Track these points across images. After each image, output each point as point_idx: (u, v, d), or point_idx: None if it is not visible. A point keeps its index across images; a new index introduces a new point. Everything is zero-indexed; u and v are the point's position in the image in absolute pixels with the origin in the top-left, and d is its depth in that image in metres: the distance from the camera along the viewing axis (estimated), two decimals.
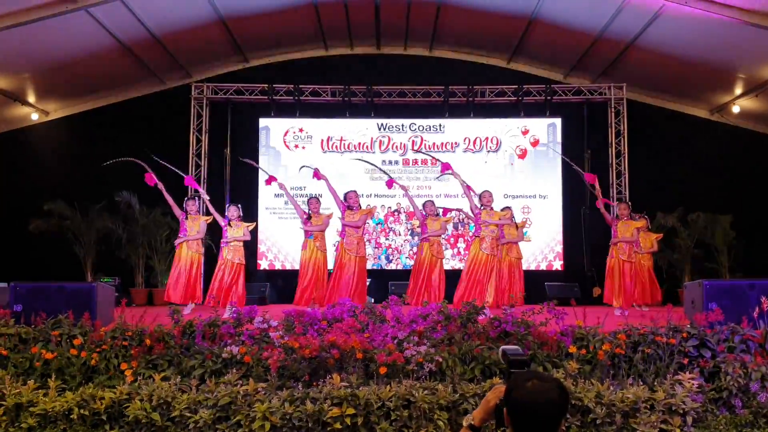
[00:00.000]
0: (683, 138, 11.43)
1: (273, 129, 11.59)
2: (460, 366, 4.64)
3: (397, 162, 11.48)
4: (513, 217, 9.06)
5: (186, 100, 11.34)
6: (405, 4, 10.46)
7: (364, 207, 9.04)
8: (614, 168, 11.34)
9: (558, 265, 11.35)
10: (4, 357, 4.90)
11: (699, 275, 10.07)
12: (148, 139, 10.29)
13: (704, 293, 5.89)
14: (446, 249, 10.81)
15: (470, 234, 11.05)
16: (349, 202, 8.48)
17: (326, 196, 9.38)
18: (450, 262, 10.86)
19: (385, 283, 10.19)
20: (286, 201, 10.41)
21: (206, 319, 5.09)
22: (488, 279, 7.95)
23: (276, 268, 11.36)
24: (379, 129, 11.56)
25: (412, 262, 10.77)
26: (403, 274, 10.75)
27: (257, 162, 10.96)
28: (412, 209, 9.25)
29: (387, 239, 11.50)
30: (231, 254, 8.21)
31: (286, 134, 11.53)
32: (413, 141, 11.52)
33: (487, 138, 11.51)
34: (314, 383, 4.47)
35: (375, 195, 11.33)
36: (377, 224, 11.43)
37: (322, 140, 11.51)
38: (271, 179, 9.06)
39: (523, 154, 11.51)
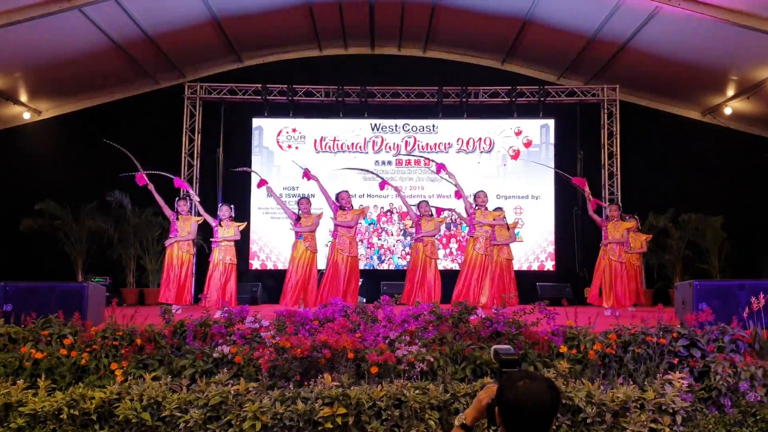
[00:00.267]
0: (675, 139, 11.49)
1: (266, 129, 11.57)
2: (452, 366, 4.64)
3: (390, 162, 11.49)
4: (505, 218, 9.07)
5: (179, 99, 11.32)
6: (399, 5, 10.47)
7: (356, 207, 9.02)
8: (606, 169, 11.39)
9: (550, 265, 11.39)
10: None
11: (690, 276, 10.13)
12: (141, 138, 10.24)
13: (695, 293, 5.93)
14: (438, 249, 10.81)
15: (463, 234, 11.10)
16: (341, 202, 8.45)
17: (318, 197, 9.36)
18: (442, 263, 10.85)
19: (377, 283, 10.20)
20: None
21: (197, 319, 5.06)
22: (483, 279, 7.96)
23: (268, 267, 11.34)
24: (373, 129, 11.57)
25: (404, 263, 10.82)
26: (396, 275, 10.78)
27: (250, 162, 10.94)
28: (405, 209, 9.23)
29: (379, 239, 11.50)
30: (222, 254, 8.20)
31: (279, 134, 11.52)
32: (406, 141, 11.53)
33: (480, 139, 11.54)
34: (305, 383, 4.46)
35: (367, 195, 11.33)
36: (370, 224, 11.43)
37: (316, 140, 11.51)
38: (262, 183, 8.99)
39: (515, 155, 11.53)
